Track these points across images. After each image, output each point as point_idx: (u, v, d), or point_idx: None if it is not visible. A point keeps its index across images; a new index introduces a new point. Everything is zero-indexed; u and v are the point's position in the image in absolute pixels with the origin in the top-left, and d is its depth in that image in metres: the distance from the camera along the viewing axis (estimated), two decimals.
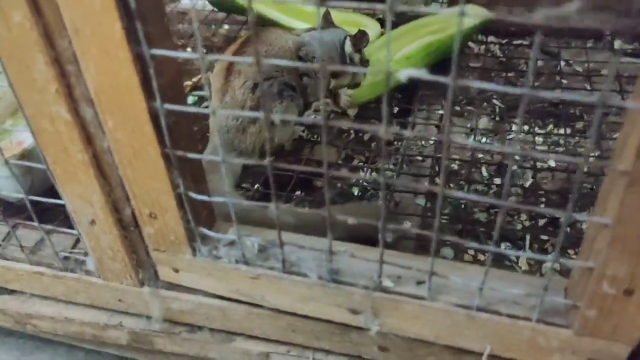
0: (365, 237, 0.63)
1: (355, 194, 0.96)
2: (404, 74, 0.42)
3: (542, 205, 0.93)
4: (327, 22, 1.01)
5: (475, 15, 1.17)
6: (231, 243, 0.62)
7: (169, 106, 0.50)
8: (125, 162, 0.55)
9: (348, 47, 0.91)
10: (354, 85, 1.02)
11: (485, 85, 0.40)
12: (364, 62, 0.98)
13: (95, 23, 0.45)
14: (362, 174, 0.99)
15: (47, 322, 0.76)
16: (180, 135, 0.55)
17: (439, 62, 1.15)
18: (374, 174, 0.98)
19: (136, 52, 0.47)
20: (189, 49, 1.40)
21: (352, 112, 1.06)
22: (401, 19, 1.30)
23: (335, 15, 1.22)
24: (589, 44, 1.30)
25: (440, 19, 1.19)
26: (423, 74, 0.41)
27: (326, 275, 0.58)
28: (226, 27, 1.47)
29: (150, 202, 0.58)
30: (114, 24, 0.45)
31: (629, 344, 0.50)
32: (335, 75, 0.98)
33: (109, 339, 0.75)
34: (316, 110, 0.99)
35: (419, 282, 0.57)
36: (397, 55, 1.07)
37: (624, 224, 0.42)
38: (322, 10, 0.99)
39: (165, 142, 0.52)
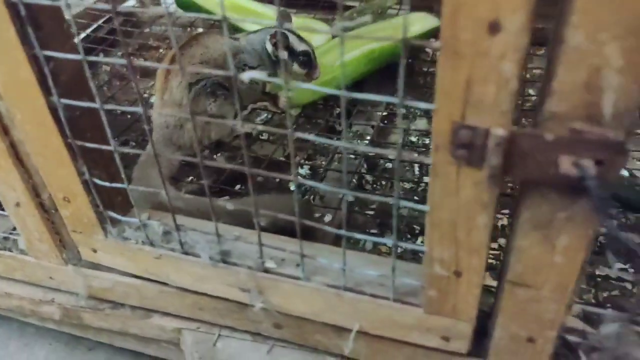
0: (287, 229, 0.69)
1: (292, 189, 1.02)
2: (246, 75, 0.48)
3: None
4: (283, 18, 1.05)
5: (425, 23, 1.23)
6: (139, 227, 0.68)
7: (65, 101, 0.56)
8: (35, 151, 0.62)
9: (269, 46, 0.96)
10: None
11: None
12: (306, 63, 1.03)
13: None
14: (301, 169, 1.06)
15: None
16: (86, 127, 0.61)
17: (390, 65, 1.20)
18: (307, 170, 1.04)
19: (31, 54, 0.53)
20: (161, 50, 1.47)
21: (294, 111, 1.12)
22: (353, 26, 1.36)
23: (293, 21, 1.29)
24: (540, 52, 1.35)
25: (395, 24, 1.24)
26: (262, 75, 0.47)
27: (216, 256, 0.64)
28: (200, 29, 1.54)
29: (62, 188, 0.65)
30: (8, 29, 0.52)
31: (469, 322, 0.56)
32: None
33: (45, 314, 0.82)
34: (255, 109, 1.05)
35: (298, 265, 0.63)
36: (338, 62, 1.13)
37: (436, 210, 0.48)
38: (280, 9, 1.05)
39: (66, 134, 0.59)
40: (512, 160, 0.43)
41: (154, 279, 0.71)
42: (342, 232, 0.55)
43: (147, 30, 1.57)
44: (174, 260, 0.67)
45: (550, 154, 0.41)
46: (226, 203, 0.59)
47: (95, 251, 0.71)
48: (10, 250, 0.78)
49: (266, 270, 0.63)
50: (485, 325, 0.58)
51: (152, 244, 0.67)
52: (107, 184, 0.63)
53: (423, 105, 0.44)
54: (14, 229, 0.81)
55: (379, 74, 1.20)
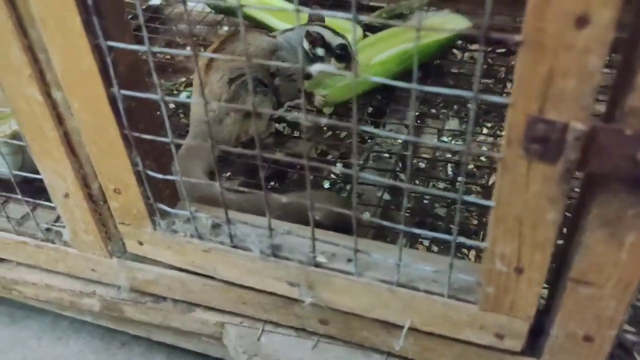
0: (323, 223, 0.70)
1: (326, 186, 1.02)
2: (315, 68, 0.48)
3: None
4: (316, 19, 1.05)
5: (455, 24, 1.22)
6: (188, 219, 0.68)
7: (125, 92, 0.57)
8: (90, 141, 0.62)
9: (306, 45, 0.97)
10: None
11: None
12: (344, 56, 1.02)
13: (59, 16, 0.52)
14: (334, 168, 1.06)
15: (31, 289, 0.83)
16: (140, 118, 0.62)
17: (420, 66, 1.20)
18: (341, 167, 1.04)
19: (94, 44, 0.54)
20: (188, 48, 1.47)
21: (327, 110, 1.12)
22: (383, 24, 1.36)
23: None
24: None
25: (426, 25, 1.24)
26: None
27: (267, 250, 0.64)
28: (226, 28, 1.54)
29: (114, 179, 0.65)
30: (74, 18, 0.52)
31: (527, 320, 0.56)
32: (308, 76, 1.04)
33: (84, 306, 0.82)
34: (291, 107, 1.05)
35: (350, 260, 0.63)
36: (373, 61, 1.13)
37: (503, 205, 0.48)
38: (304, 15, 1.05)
39: (124, 124, 0.59)
40: (588, 155, 0.42)
41: (199, 272, 0.71)
42: (401, 227, 0.55)
43: (173, 27, 1.58)
44: (222, 254, 0.67)
45: (628, 149, 0.41)
46: (281, 197, 0.59)
47: (141, 244, 0.72)
48: (53, 242, 0.78)
49: (317, 265, 0.63)
50: (540, 323, 0.58)
51: (200, 237, 0.67)
52: (160, 175, 0.63)
53: (496, 99, 0.44)
54: (57, 220, 0.81)
55: (409, 74, 1.20)
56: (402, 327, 0.63)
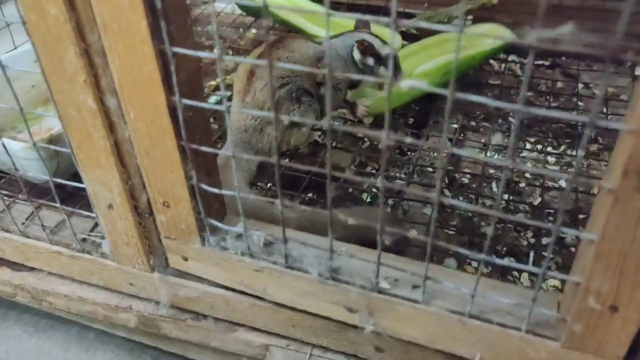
0: (370, 242, 0.66)
1: (365, 199, 0.98)
2: (405, 84, 0.44)
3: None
4: (363, 26, 1.02)
5: (498, 37, 1.19)
6: (239, 236, 0.64)
7: (186, 101, 0.53)
8: (143, 151, 0.58)
9: (357, 54, 0.93)
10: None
11: (482, 99, 0.42)
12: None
13: (123, 20, 0.48)
14: (373, 180, 1.02)
15: (62, 300, 0.79)
16: (196, 129, 0.58)
17: (459, 77, 1.17)
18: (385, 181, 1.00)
19: (159, 49, 0.50)
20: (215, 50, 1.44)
21: (367, 120, 1.08)
22: (423, 31, 1.32)
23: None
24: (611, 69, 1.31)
25: (468, 35, 1.20)
26: (423, 85, 0.44)
27: (326, 272, 0.60)
28: (253, 31, 1.51)
29: (164, 191, 0.61)
30: (140, 22, 0.48)
31: None
32: (353, 86, 1.00)
33: (118, 321, 0.78)
34: (333, 117, 1.02)
35: (415, 286, 0.59)
36: (416, 71, 1.09)
37: (608, 240, 0.44)
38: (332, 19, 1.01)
39: (181, 135, 0.55)
40: None
41: (247, 291, 0.67)
42: (482, 256, 0.51)
43: (199, 29, 1.54)
44: (276, 274, 0.63)
45: None
46: (347, 217, 0.55)
47: (186, 259, 0.68)
48: (89, 253, 0.74)
49: (380, 291, 0.59)
50: None
51: (252, 256, 0.63)
52: (215, 190, 0.59)
53: (616, 125, 0.40)
54: (92, 229, 0.78)
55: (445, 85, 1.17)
56: None
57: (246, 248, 0.63)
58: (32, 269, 0.82)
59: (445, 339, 0.58)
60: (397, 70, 0.95)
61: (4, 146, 0.67)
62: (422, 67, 1.10)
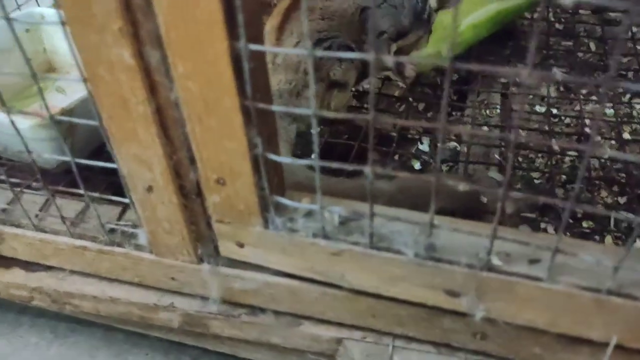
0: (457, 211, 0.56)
1: (416, 167, 0.88)
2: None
3: (623, 181, 0.85)
4: None
5: None
6: (308, 214, 0.54)
7: (254, 46, 0.42)
8: (194, 117, 0.47)
9: (433, 1, 0.81)
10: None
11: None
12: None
13: None
14: (420, 145, 0.91)
15: (90, 302, 0.68)
16: (258, 85, 0.47)
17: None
18: (439, 144, 0.89)
19: None
20: None
21: (407, 81, 0.97)
22: None
23: None
24: None
25: None
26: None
27: (423, 252, 0.50)
28: None
29: (220, 166, 0.50)
30: None
31: None
32: (400, 35, 0.88)
33: (158, 321, 0.67)
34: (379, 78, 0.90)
35: (533, 261, 0.49)
36: (464, 23, 0.98)
37: None
38: None
39: (245, 93, 0.44)
40: None
41: (320, 279, 0.56)
42: (624, 215, 0.41)
43: None
44: (358, 257, 0.52)
45: None
46: (458, 183, 0.44)
47: (242, 246, 0.57)
48: (120, 246, 0.63)
49: (491, 269, 0.49)
50: None
51: (326, 237, 0.53)
52: (287, 159, 0.48)
53: None
54: (119, 218, 0.66)
55: (496, 36, 1.06)
56: (593, 344, 0.50)
57: (320, 228, 0.52)
58: (49, 267, 0.70)
59: (573, 321, 0.49)
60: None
61: (14, 125, 0.55)
62: (469, 18, 0.99)
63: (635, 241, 0.43)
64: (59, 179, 0.76)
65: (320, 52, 0.39)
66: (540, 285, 0.48)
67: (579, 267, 0.48)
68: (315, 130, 0.44)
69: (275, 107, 0.45)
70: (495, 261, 0.49)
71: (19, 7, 1.00)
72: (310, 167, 0.60)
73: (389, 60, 0.39)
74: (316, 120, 0.44)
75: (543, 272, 0.48)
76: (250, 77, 0.43)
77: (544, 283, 0.48)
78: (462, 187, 0.45)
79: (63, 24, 0.44)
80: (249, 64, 0.43)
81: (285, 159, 0.48)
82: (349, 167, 0.47)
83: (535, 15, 1.23)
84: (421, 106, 1.00)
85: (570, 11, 1.24)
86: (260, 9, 0.45)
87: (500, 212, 0.45)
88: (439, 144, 0.41)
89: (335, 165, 0.47)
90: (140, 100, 0.47)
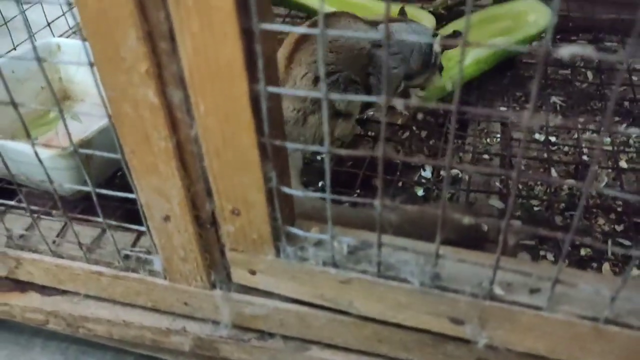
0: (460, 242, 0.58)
1: (419, 194, 0.90)
2: (566, 51, 0.37)
3: (619, 209, 0.87)
4: (404, 18, 0.96)
5: (540, 16, 1.11)
6: (318, 243, 0.56)
7: (272, 89, 0.44)
8: (212, 152, 0.50)
9: (437, 46, 0.85)
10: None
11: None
12: (440, 65, 0.93)
13: None
14: (423, 172, 0.94)
15: (104, 326, 0.70)
16: (275, 123, 0.49)
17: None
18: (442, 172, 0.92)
19: (245, 27, 0.41)
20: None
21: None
22: (451, 11, 1.25)
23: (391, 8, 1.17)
24: None
25: (510, 13, 1.13)
26: None
27: (428, 281, 0.52)
28: None
29: (235, 197, 0.53)
30: None
31: None
32: (408, 77, 0.91)
33: (170, 345, 0.69)
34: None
35: (533, 290, 0.52)
36: (468, 58, 1.02)
37: None
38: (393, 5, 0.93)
39: (262, 130, 0.47)
40: None
41: (328, 306, 0.59)
42: (634, 251, 0.43)
43: None
44: (366, 285, 0.55)
45: None
46: (463, 216, 0.47)
47: (254, 273, 0.59)
48: (135, 272, 0.65)
49: (493, 298, 0.51)
50: None
51: (335, 265, 0.55)
52: (298, 192, 0.51)
53: None
54: (134, 244, 0.69)
55: (496, 69, 1.10)
56: None
57: (329, 257, 0.55)
58: (64, 291, 0.72)
59: (572, 349, 0.51)
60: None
61: (37, 155, 0.58)
62: (473, 54, 1.02)
63: (632, 271, 0.45)
64: (75, 205, 0.79)
65: (335, 95, 0.42)
66: (540, 314, 0.50)
67: (578, 296, 0.50)
68: (327, 166, 0.47)
69: (290, 145, 0.48)
70: (498, 290, 0.52)
71: (33, 35, 1.04)
72: (321, 197, 0.62)
73: (398, 104, 0.42)
74: (329, 156, 0.46)
75: (543, 301, 0.50)
76: (267, 116, 0.46)
77: (544, 312, 0.50)
78: (467, 220, 0.47)
79: (92, 65, 0.47)
80: (266, 104, 0.46)
81: (297, 192, 0.51)
82: (360, 200, 0.50)
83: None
84: (424, 133, 1.03)
85: (570, 39, 1.28)
86: (275, 53, 0.48)
87: (502, 243, 0.47)
88: (444, 179, 0.43)
89: (345, 199, 0.50)
90: (163, 136, 0.49)
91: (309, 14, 1.24)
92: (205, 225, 0.57)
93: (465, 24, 0.36)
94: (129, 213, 0.74)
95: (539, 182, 0.91)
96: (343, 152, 0.47)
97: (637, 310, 0.49)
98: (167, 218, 0.57)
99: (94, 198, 0.58)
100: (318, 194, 0.51)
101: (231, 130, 0.48)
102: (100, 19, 0.43)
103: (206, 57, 0.44)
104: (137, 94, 0.47)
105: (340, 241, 0.55)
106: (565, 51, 0.36)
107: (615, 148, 0.98)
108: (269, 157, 0.49)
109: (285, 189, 0.51)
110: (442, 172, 0.92)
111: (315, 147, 0.46)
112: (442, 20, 1.21)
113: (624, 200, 0.87)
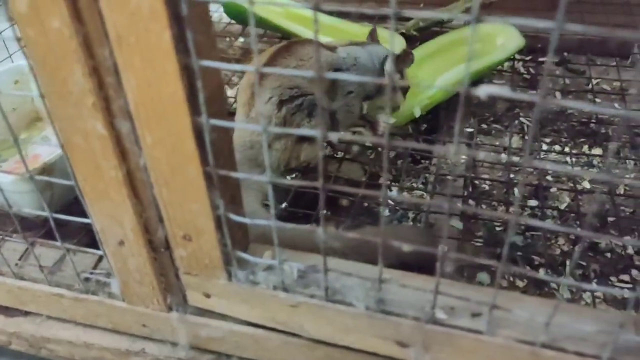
0: (406, 264, 0.60)
1: (386, 214, 0.92)
2: (483, 91, 0.38)
3: (578, 229, 0.89)
4: (373, 40, 0.98)
5: (511, 40, 1.13)
6: (268, 268, 0.58)
7: (215, 121, 0.46)
8: (161, 181, 0.51)
9: (388, 66, 0.87)
10: (392, 109, 0.97)
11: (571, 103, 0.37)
12: (403, 87, 0.95)
13: (142, 31, 0.41)
14: (390, 193, 0.96)
15: (65, 347, 0.71)
16: (221, 153, 0.51)
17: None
18: (404, 193, 0.94)
19: (184, 63, 0.43)
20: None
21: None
22: (423, 33, 1.28)
23: (358, 29, 1.20)
24: (613, 63, 1.27)
25: (479, 36, 1.15)
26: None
27: (373, 305, 0.54)
28: (242, 39, 1.44)
29: (185, 224, 0.54)
30: (162, 32, 0.41)
31: None
32: (368, 98, 0.93)
33: None
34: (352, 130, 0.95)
35: (475, 315, 0.53)
36: (439, 81, 1.03)
37: None
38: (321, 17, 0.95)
39: (207, 161, 0.48)
40: None
41: (281, 329, 0.60)
42: (563, 280, 0.45)
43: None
44: (314, 309, 0.56)
45: None
46: (401, 244, 0.48)
47: (208, 296, 0.61)
48: (94, 294, 0.66)
49: (436, 322, 0.53)
50: None
51: (285, 289, 0.57)
52: (246, 220, 0.52)
53: None
54: (95, 267, 0.70)
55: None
56: None
57: (279, 282, 0.56)
58: (27, 313, 0.73)
59: None
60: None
61: None
62: (445, 77, 1.04)
63: (563, 297, 0.47)
64: (39, 226, 0.80)
65: (276, 129, 0.43)
66: (480, 338, 0.52)
67: (517, 320, 0.51)
68: (271, 196, 0.49)
69: (234, 174, 0.50)
70: (440, 315, 0.53)
71: (10, 56, 1.05)
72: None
73: (333, 137, 0.43)
74: (271, 187, 0.48)
75: (483, 325, 0.51)
76: (213, 147, 0.48)
77: (484, 336, 0.52)
78: (406, 248, 0.49)
79: (42, 96, 0.48)
80: (210, 136, 0.47)
81: (243, 219, 0.52)
82: (304, 227, 0.51)
83: (504, 65, 1.29)
84: (392, 154, 1.05)
85: (538, 60, 1.30)
86: (221, 87, 0.50)
87: (441, 270, 0.49)
88: (380, 210, 0.45)
89: (290, 226, 0.52)
90: (112, 166, 0.51)
91: (283, 36, 1.26)
92: (160, 249, 0.59)
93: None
94: (93, 234, 0.76)
95: (501, 203, 0.93)
96: (287, 182, 0.49)
97: (573, 335, 0.50)
98: (121, 242, 0.58)
99: (52, 223, 0.60)
100: (264, 222, 0.52)
101: (177, 161, 0.49)
102: (47, 54, 0.45)
103: (149, 92, 0.45)
104: (86, 125, 0.49)
105: (291, 266, 0.57)
106: (482, 91, 0.38)
107: (580, 167, 1.00)
108: (216, 186, 0.50)
109: (233, 216, 0.52)
110: (404, 194, 0.94)
111: (258, 177, 0.48)
112: (415, 41, 1.24)
113: (581, 223, 0.89)
